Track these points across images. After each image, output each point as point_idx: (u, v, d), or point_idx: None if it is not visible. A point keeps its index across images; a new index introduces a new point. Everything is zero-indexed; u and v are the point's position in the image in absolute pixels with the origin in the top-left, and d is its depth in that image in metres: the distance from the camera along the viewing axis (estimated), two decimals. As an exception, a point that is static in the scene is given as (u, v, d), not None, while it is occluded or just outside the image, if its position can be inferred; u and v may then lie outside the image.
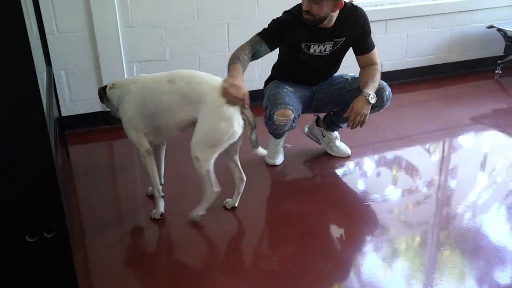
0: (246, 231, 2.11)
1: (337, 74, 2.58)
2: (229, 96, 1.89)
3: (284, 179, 2.59)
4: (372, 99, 2.29)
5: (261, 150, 2.10)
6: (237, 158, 2.15)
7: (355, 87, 2.43)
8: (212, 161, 1.96)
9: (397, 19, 3.68)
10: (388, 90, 2.42)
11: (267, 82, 2.61)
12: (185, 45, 3.15)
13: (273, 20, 2.34)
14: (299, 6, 2.30)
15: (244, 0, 3.17)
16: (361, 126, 2.34)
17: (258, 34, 2.30)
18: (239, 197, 2.24)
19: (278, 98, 2.35)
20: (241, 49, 2.23)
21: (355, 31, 2.36)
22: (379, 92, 2.36)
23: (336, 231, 2.14)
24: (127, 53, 3.02)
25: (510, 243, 1.99)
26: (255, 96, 3.26)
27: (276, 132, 2.54)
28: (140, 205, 2.36)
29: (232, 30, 3.22)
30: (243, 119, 1.95)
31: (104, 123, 3.12)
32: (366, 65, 2.44)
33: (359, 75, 2.47)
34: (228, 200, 2.24)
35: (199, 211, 2.09)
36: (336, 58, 2.46)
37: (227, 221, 2.18)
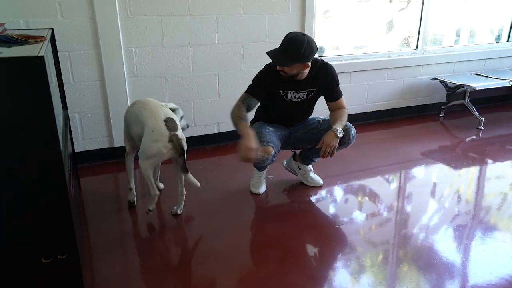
0: (234, 250, 2.08)
1: (311, 117, 2.63)
2: (242, 157, 2.11)
3: (266, 205, 2.58)
4: (340, 134, 2.33)
5: (191, 178, 2.20)
6: (181, 175, 2.26)
7: (326, 127, 2.46)
8: (150, 170, 2.16)
9: (359, 71, 3.78)
10: (353, 130, 2.46)
11: (252, 123, 2.63)
12: (182, 92, 3.18)
13: (255, 76, 2.39)
14: None
15: (232, 55, 3.23)
16: (331, 156, 2.36)
17: (246, 91, 2.36)
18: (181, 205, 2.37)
19: (261, 137, 2.37)
20: (237, 108, 2.29)
21: (326, 83, 2.42)
22: (346, 131, 2.40)
23: (311, 250, 2.12)
24: (132, 98, 3.03)
25: (457, 259, 2.00)
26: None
27: (260, 165, 2.55)
28: (142, 228, 2.31)
29: (222, 80, 3.26)
30: (172, 143, 2.10)
31: (111, 158, 3.09)
32: (336, 109, 2.49)
33: (329, 116, 2.51)
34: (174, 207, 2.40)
35: (150, 206, 2.26)
36: (309, 104, 2.51)
37: (218, 242, 2.15)
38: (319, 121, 2.55)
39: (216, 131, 3.40)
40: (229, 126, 3.36)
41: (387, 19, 4.05)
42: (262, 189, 2.65)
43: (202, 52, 3.13)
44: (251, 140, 2.12)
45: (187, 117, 3.19)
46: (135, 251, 2.11)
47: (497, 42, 4.47)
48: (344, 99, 2.49)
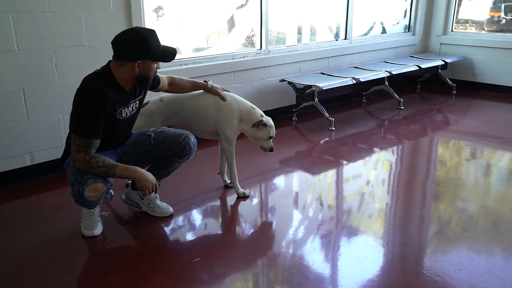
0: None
1: (136, 132, 2.55)
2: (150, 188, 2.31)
3: (105, 250, 2.37)
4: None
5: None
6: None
7: (162, 140, 2.45)
8: None
9: (202, 77, 3.82)
10: (192, 137, 2.51)
11: (64, 157, 2.37)
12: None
13: (83, 111, 2.15)
14: (101, 75, 2.20)
15: (40, 64, 2.93)
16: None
17: (84, 135, 2.14)
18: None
19: (84, 175, 2.18)
20: (89, 163, 2.15)
21: (147, 85, 2.41)
22: (184, 141, 2.44)
23: (168, 296, 2.03)
24: None
25: (326, 269, 2.17)
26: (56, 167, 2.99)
27: (91, 207, 2.34)
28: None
29: (30, 96, 2.94)
30: None
31: None
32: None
33: None
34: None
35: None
36: (136, 114, 2.46)
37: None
38: (150, 135, 2.49)
39: (28, 163, 3.03)
40: (45, 155, 3.05)
41: (227, 16, 4.23)
42: (98, 230, 2.43)
43: (-5, 62, 2.77)
44: (144, 171, 2.29)
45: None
46: None
47: (336, 40, 5.11)
48: None
